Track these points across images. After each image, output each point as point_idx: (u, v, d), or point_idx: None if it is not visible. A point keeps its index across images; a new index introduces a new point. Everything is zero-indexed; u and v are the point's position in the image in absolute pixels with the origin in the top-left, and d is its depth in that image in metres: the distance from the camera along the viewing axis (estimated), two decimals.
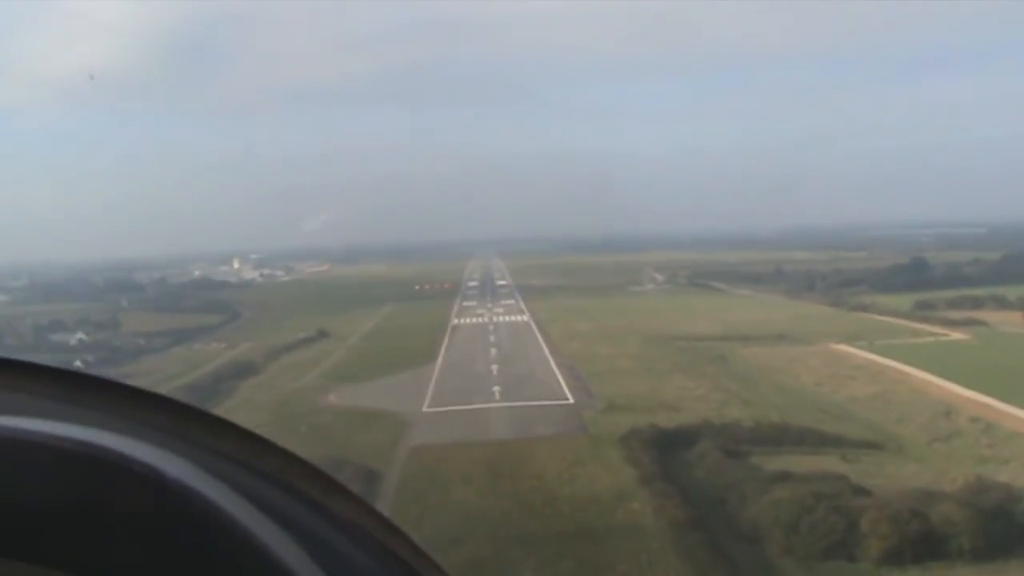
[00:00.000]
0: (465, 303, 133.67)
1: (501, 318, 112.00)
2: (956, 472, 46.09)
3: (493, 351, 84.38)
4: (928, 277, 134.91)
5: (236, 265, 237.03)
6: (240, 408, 64.88)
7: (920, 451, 50.87)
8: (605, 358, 78.62)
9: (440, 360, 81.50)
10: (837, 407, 60.55)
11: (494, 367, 75.79)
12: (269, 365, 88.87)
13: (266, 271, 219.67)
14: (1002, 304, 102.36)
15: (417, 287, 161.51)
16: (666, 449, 49.81)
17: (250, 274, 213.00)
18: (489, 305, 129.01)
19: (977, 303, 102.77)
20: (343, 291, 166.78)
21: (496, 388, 66.86)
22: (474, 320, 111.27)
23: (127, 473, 0.91)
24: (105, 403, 1.14)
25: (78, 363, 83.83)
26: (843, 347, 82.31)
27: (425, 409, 62.44)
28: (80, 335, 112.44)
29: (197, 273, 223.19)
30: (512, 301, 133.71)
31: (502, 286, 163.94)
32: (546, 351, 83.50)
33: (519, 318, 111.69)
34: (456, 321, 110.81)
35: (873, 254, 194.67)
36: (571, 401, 62.43)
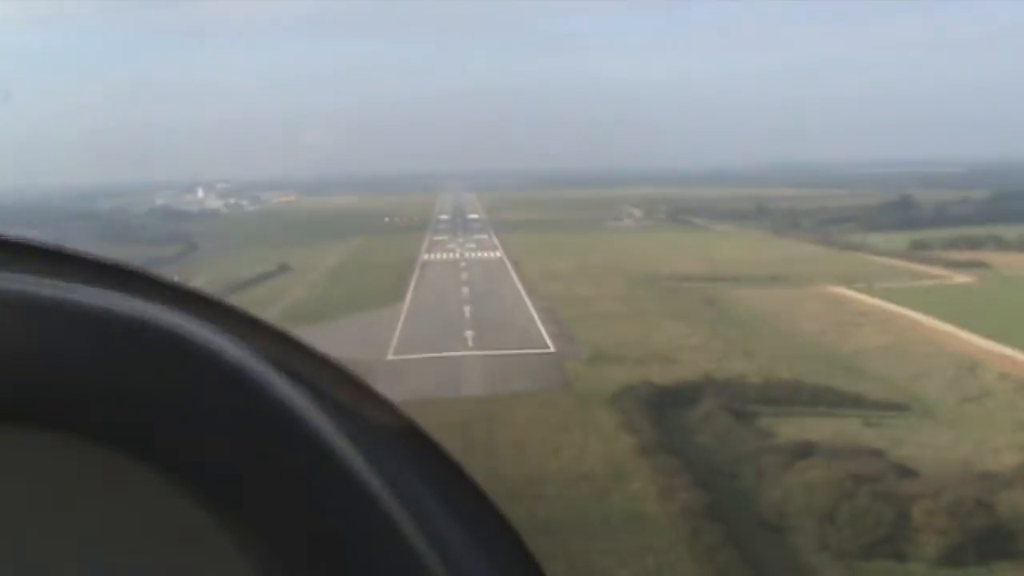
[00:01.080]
0: (436, 237, 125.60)
1: (473, 254, 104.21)
2: (999, 441, 39.46)
3: (465, 290, 76.81)
4: (917, 216, 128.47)
5: (200, 194, 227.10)
6: None
7: (951, 414, 44.12)
8: (586, 300, 71.30)
9: (408, 299, 73.89)
10: (847, 360, 53.72)
11: (466, 308, 68.30)
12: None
13: (231, 200, 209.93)
14: (1001, 245, 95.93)
15: (387, 219, 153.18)
16: (664, 410, 42.73)
17: (214, 203, 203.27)
18: (461, 240, 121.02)
19: (974, 243, 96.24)
20: (310, 223, 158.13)
21: (469, 333, 59.46)
22: (445, 256, 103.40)
23: (184, 353, 0.90)
24: (150, 291, 1.08)
25: None
26: (841, 290, 75.51)
27: (390, 357, 55.00)
28: None
29: (160, 202, 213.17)
30: (484, 236, 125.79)
31: (474, 220, 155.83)
32: (522, 291, 76.04)
33: (492, 254, 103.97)
34: (426, 256, 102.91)
35: (855, 191, 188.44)
36: (552, 350, 55.17)
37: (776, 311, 67.68)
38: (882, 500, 29.76)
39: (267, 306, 75.90)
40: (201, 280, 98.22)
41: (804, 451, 35.74)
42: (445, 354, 54.58)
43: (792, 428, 41.44)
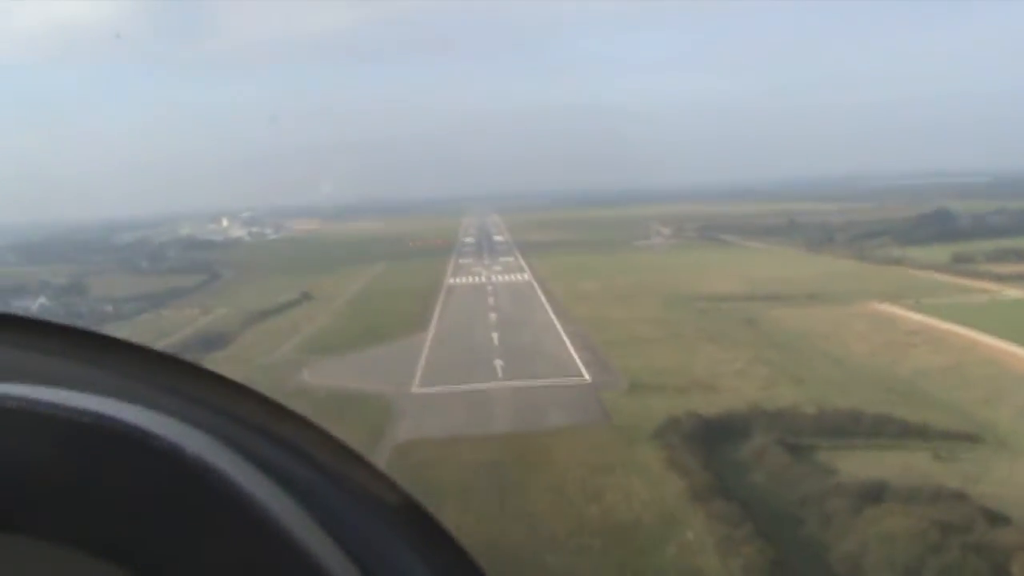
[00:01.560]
0: (461, 261, 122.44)
1: (500, 277, 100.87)
2: None
3: (493, 316, 73.39)
4: (954, 228, 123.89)
5: (225, 223, 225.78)
6: None
7: None
8: (620, 323, 67.73)
9: (433, 327, 70.54)
10: (905, 384, 49.74)
11: (495, 335, 64.85)
12: (243, 333, 78.05)
13: (254, 229, 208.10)
14: None
15: (411, 244, 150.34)
16: (714, 446, 39.01)
17: (238, 232, 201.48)
18: (487, 263, 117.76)
19: (1021, 255, 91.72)
20: (333, 249, 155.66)
21: (498, 363, 55.94)
22: (471, 280, 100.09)
23: (148, 449, 0.90)
24: (122, 366, 1.11)
25: None
26: (887, 307, 71.46)
27: (415, 390, 51.55)
28: (42, 300, 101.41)
29: (185, 232, 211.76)
30: (511, 258, 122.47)
31: (500, 242, 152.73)
32: (552, 315, 72.54)
33: (519, 277, 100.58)
34: (452, 281, 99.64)
35: (882, 204, 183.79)
36: (587, 379, 51.54)
37: (821, 331, 63.73)
38: (974, 553, 25.91)
39: (289, 337, 72.96)
40: (222, 311, 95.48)
41: (874, 492, 31.90)
42: (473, 386, 51.11)
43: (855, 463, 37.58)
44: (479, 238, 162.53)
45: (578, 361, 55.49)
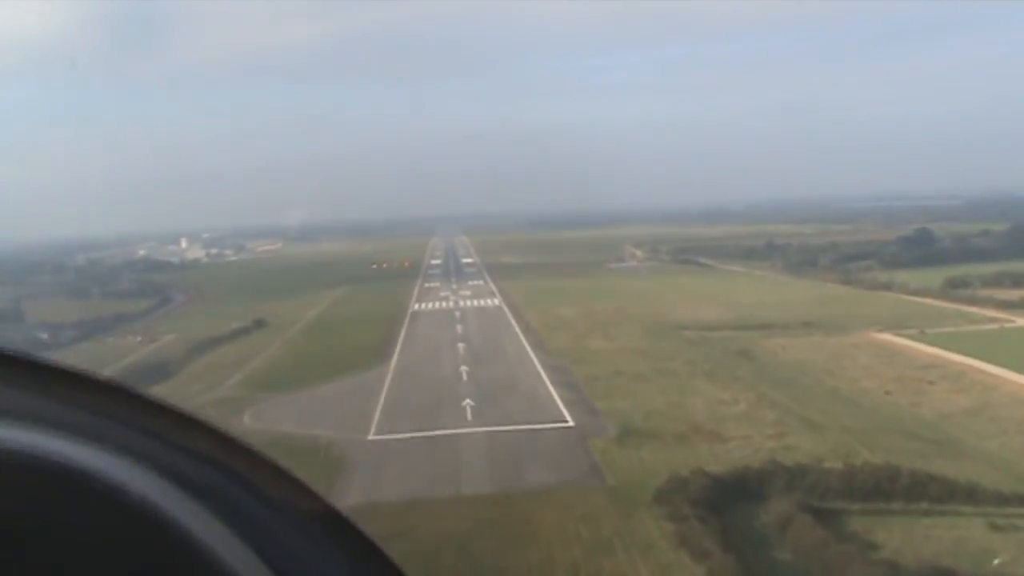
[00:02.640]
0: (427, 284, 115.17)
1: (469, 302, 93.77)
2: None
3: (461, 347, 66.25)
4: (938, 250, 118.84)
5: (184, 244, 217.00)
6: None
7: None
8: (602, 355, 60.99)
9: (395, 359, 63.28)
10: (933, 430, 43.36)
11: (463, 369, 57.74)
12: (187, 366, 70.51)
13: (214, 250, 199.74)
14: None
15: (375, 266, 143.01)
16: (729, 512, 32.23)
17: (196, 254, 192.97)
18: (454, 286, 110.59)
19: (1018, 280, 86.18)
20: (294, 271, 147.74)
21: (467, 403, 48.82)
22: (438, 305, 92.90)
23: (89, 491, 0.87)
24: (71, 395, 1.08)
25: None
26: (889, 337, 65.35)
27: (371, 437, 44.27)
28: None
29: (142, 253, 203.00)
30: (480, 282, 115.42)
31: (468, 264, 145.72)
32: (527, 346, 65.58)
33: (490, 302, 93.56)
34: (417, 307, 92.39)
35: (859, 227, 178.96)
36: (571, 424, 44.56)
37: (823, 364, 57.38)
38: None
39: (235, 370, 65.38)
40: (168, 339, 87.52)
41: None
42: (439, 432, 43.96)
43: (898, 535, 31.00)
44: (447, 260, 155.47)
45: (559, 401, 48.53)
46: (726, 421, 43.50)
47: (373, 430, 45.19)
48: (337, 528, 1.19)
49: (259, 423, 47.26)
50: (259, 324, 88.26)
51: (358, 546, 1.20)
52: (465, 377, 55.72)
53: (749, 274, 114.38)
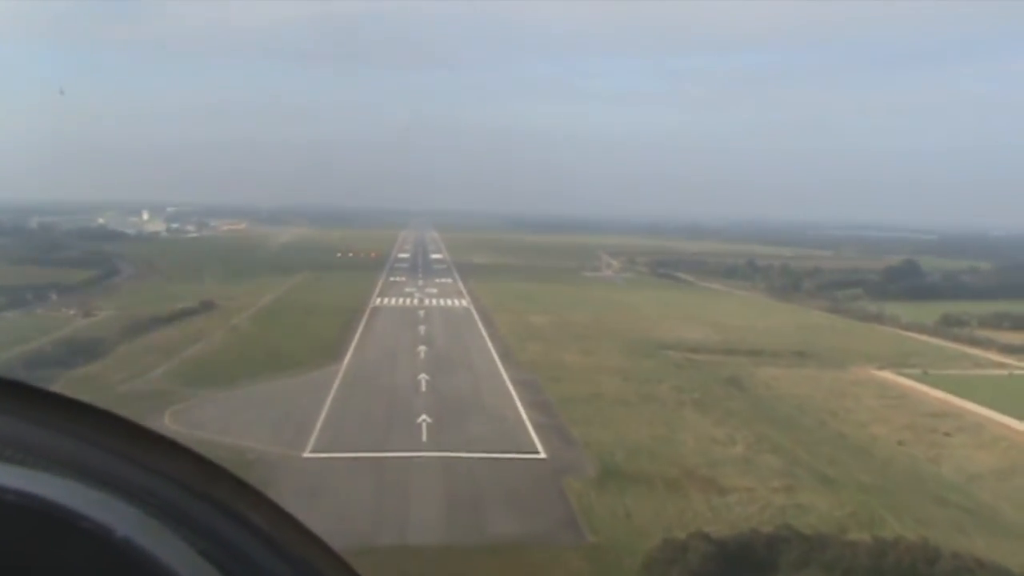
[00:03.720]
0: (392, 278, 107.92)
1: (435, 301, 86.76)
2: None
3: (422, 350, 59.29)
4: (927, 284, 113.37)
5: (145, 216, 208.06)
6: None
7: None
8: (579, 373, 54.29)
9: (348, 359, 56.20)
10: (961, 494, 37.07)
11: (422, 378, 50.78)
12: (118, 347, 62.82)
13: (175, 225, 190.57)
14: None
15: (339, 254, 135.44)
16: None
17: (156, 227, 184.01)
18: (421, 283, 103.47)
19: (1019, 323, 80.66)
20: (255, 253, 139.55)
21: (423, 420, 41.90)
22: (401, 302, 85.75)
23: (73, 530, 0.86)
24: (52, 420, 1.08)
25: None
26: (890, 376, 59.20)
27: (307, 454, 37.19)
28: None
29: (101, 221, 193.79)
30: (449, 280, 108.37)
31: (437, 260, 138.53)
32: (495, 356, 58.73)
33: (457, 303, 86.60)
34: (378, 301, 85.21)
35: (840, 253, 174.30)
36: (543, 455, 37.78)
37: (824, 403, 51.02)
38: None
39: (170, 356, 57.88)
40: (106, 315, 79.51)
41: None
42: (387, 454, 36.98)
43: None
44: (415, 254, 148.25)
45: (529, 426, 41.73)
46: (723, 466, 36.91)
47: (311, 445, 38.13)
48: (320, 559, 1.15)
49: (179, 425, 39.90)
50: (206, 306, 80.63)
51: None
52: (423, 387, 48.79)
53: (731, 294, 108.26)
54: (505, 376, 52.35)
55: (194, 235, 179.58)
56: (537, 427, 41.44)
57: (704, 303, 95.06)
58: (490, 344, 63.03)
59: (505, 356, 58.37)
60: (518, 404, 45.64)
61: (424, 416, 42.22)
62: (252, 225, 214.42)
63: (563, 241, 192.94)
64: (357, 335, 64.69)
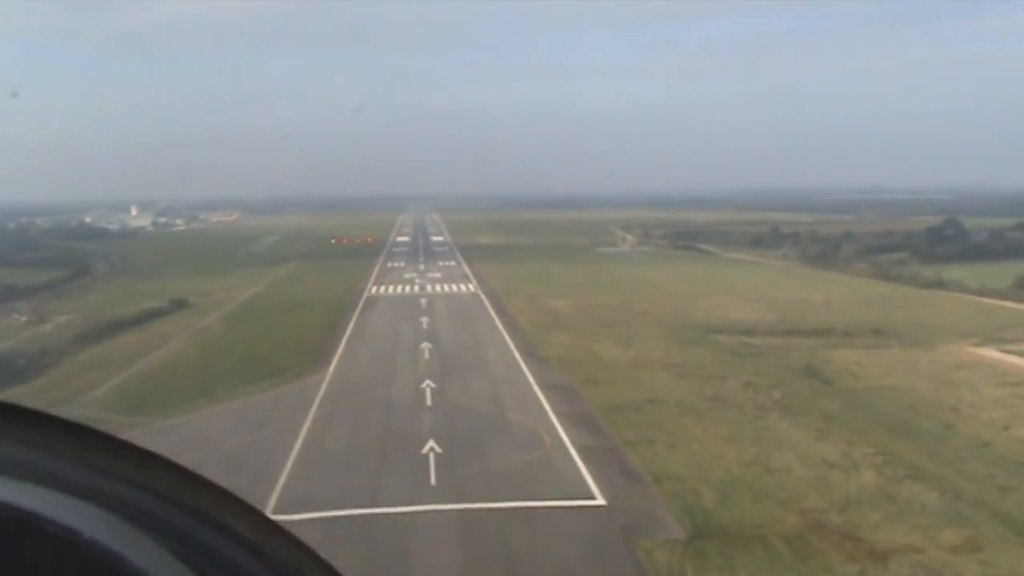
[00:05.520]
0: (391, 263, 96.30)
1: (439, 287, 75.19)
2: None
3: (426, 348, 47.85)
4: (974, 244, 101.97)
5: (134, 212, 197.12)
6: None
7: None
8: (621, 369, 42.83)
9: (334, 365, 44.66)
10: None
11: (427, 386, 39.34)
12: (64, 359, 52.09)
13: (162, 219, 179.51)
14: None
15: (333, 241, 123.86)
16: None
17: (141, 222, 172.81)
18: (422, 267, 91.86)
19: None
20: (242, 244, 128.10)
21: (430, 448, 30.45)
22: (400, 290, 74.17)
23: (40, 535, 0.84)
24: (24, 434, 1.07)
25: None
26: (994, 354, 47.78)
27: (270, 514, 25.62)
28: None
29: (87, 220, 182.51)
30: (452, 262, 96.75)
31: (439, 243, 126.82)
32: (515, 351, 47.21)
33: (464, 288, 75.08)
34: (374, 290, 73.70)
35: (860, 217, 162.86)
36: (600, 502, 26.22)
37: (936, 396, 39.51)
38: None
39: (118, 371, 46.40)
40: (62, 320, 67.62)
41: None
42: (382, 510, 25.42)
43: None
44: (415, 237, 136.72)
45: (574, 453, 30.18)
46: (859, 507, 25.37)
47: (276, 497, 26.60)
48: (308, 567, 1.13)
49: None
50: (177, 305, 69.44)
51: None
52: (429, 399, 37.36)
53: (762, 263, 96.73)
54: (531, 379, 40.82)
55: (181, 228, 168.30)
56: (585, 454, 29.92)
57: (738, 275, 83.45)
58: (507, 336, 51.51)
59: (527, 352, 46.85)
60: (553, 419, 34.11)
61: (431, 443, 30.74)
62: (245, 216, 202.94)
63: (567, 217, 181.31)
64: (347, 333, 53.15)
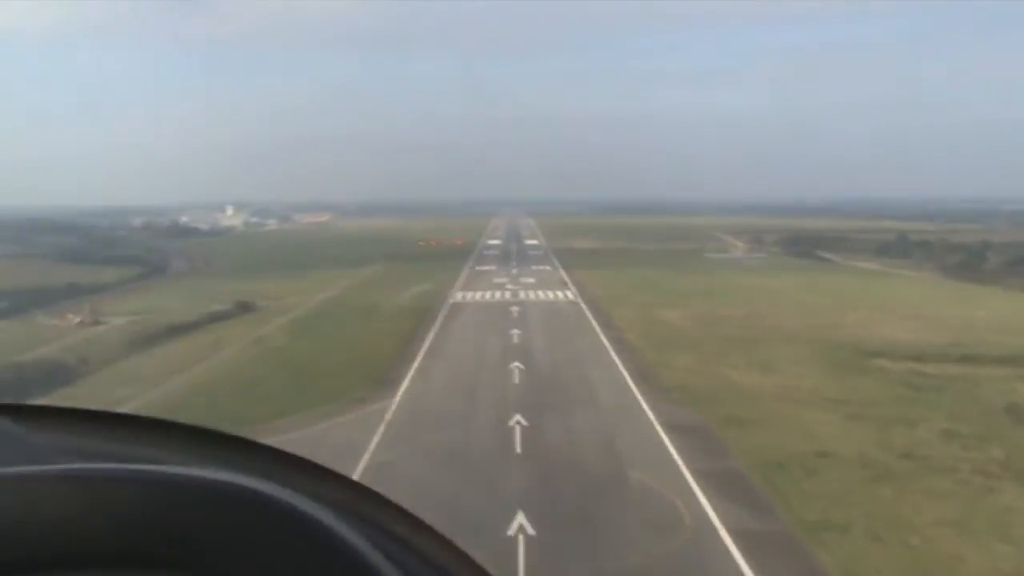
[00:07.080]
0: (480, 267, 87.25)
1: (533, 294, 65.57)
2: None
3: (516, 370, 38.22)
4: None
5: (228, 212, 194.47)
6: None
7: None
8: (768, 404, 32.39)
9: (404, 388, 35.45)
10: None
11: (516, 424, 29.64)
12: (104, 368, 44.76)
13: (254, 220, 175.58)
14: None
15: (421, 243, 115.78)
16: None
17: (231, 221, 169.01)
18: (514, 272, 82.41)
19: None
20: (329, 245, 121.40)
21: (519, 523, 20.78)
22: (489, 296, 64.79)
23: (271, 509, 0.95)
24: (223, 454, 1.21)
25: None
26: None
27: None
28: None
29: (184, 219, 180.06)
30: (547, 267, 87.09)
31: (533, 247, 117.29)
32: (627, 376, 37.18)
33: (560, 295, 65.27)
34: (460, 296, 64.58)
35: (989, 227, 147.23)
36: None
37: None
38: None
39: (159, 383, 38.66)
40: (119, 322, 59.85)
41: None
42: None
43: None
44: (507, 241, 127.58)
45: (730, 545, 20.02)
46: None
47: None
48: (459, 565, 1.17)
49: None
50: (243, 308, 61.77)
51: None
52: (519, 443, 27.66)
53: (894, 274, 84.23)
54: (651, 415, 30.75)
55: (270, 228, 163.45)
56: (747, 543, 19.78)
57: (874, 287, 71.53)
58: (614, 355, 41.51)
59: (642, 376, 36.78)
60: (690, 480, 23.99)
61: (520, 518, 21.03)
62: (336, 218, 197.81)
63: (666, 223, 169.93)
64: (424, 348, 43.90)
